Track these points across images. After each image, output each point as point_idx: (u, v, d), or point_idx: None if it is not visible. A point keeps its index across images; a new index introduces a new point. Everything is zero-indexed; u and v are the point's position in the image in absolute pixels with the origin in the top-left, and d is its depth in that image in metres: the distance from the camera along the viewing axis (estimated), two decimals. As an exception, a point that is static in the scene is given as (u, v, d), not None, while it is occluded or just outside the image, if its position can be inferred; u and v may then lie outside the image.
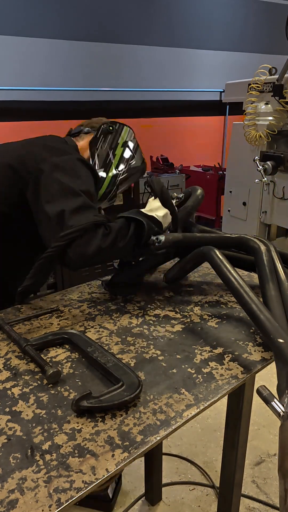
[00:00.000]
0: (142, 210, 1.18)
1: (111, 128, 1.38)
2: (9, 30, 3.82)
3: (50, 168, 1.13)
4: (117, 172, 1.38)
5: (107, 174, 1.36)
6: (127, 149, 1.40)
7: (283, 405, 0.68)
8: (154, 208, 1.19)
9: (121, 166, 1.38)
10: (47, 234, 1.09)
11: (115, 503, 1.72)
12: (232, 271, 1.00)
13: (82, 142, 1.38)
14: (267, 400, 0.70)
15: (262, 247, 1.07)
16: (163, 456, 1.78)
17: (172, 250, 1.24)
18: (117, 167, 1.37)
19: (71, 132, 1.44)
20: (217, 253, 1.06)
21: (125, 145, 1.39)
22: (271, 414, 0.72)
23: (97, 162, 1.35)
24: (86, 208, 1.06)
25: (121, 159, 1.39)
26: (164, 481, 1.77)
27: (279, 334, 0.81)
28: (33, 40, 3.95)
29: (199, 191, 1.34)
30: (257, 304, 0.90)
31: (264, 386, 0.72)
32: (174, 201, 1.26)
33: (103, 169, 1.35)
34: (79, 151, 1.35)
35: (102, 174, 1.35)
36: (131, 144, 1.41)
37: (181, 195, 1.32)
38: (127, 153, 1.40)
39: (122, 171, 1.38)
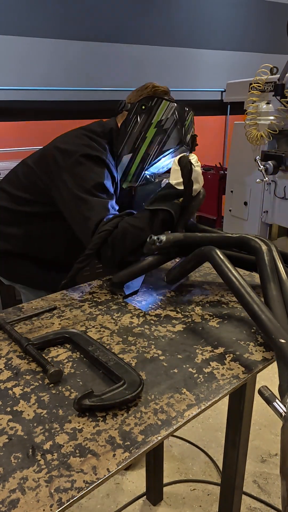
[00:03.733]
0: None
1: (143, 107, 1.27)
2: (11, 30, 3.82)
3: (58, 174, 1.27)
4: (147, 155, 1.30)
5: (135, 158, 1.31)
6: (160, 129, 1.29)
7: (284, 406, 0.68)
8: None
9: (152, 150, 1.30)
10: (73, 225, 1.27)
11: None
12: (233, 271, 1.00)
13: (122, 121, 1.34)
14: (268, 401, 0.69)
15: (263, 247, 1.07)
16: (165, 455, 1.78)
17: (173, 250, 1.24)
18: (147, 151, 1.30)
19: (120, 107, 1.35)
20: (218, 253, 1.06)
21: (159, 125, 1.28)
22: (272, 414, 0.72)
23: (125, 147, 1.30)
24: (96, 210, 1.20)
25: (152, 141, 1.29)
26: (165, 481, 1.77)
27: (281, 334, 0.81)
28: (35, 40, 3.95)
29: (200, 191, 1.34)
30: (258, 304, 0.89)
31: (265, 386, 0.71)
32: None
33: (131, 154, 1.30)
34: (117, 131, 1.34)
35: (129, 157, 1.31)
36: (167, 124, 1.29)
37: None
38: (159, 135, 1.29)
39: (153, 154, 1.30)
